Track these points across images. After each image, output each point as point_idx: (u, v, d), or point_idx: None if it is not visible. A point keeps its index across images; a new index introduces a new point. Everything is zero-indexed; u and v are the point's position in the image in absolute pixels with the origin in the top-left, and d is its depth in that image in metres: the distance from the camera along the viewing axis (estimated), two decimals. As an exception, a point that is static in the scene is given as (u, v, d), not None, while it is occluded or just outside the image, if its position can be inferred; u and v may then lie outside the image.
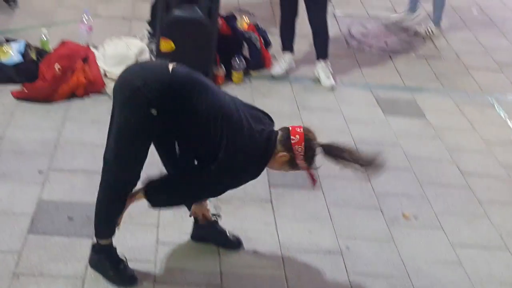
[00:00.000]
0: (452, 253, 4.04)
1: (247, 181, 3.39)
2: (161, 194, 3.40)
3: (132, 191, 3.35)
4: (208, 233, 3.83)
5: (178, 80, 3.14)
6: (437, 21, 7.04)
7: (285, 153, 3.21)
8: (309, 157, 3.24)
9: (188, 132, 3.26)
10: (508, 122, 5.60)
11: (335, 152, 3.29)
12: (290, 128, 3.28)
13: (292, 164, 3.27)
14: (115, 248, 3.48)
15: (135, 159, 3.26)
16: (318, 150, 3.26)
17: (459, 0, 8.03)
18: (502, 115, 5.71)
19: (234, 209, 4.11)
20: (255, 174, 3.34)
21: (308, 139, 3.24)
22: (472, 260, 4.00)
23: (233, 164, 3.20)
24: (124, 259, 3.51)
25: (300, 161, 3.23)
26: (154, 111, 3.04)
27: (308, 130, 3.30)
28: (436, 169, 4.85)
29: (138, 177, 3.32)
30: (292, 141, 3.20)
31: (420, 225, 4.25)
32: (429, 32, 7.01)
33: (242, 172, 3.29)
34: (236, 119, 3.16)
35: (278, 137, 3.27)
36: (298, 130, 3.26)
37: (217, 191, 3.48)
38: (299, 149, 3.18)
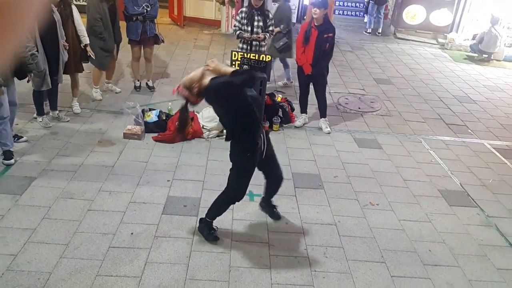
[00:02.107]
0: (399, 224, 4.03)
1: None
2: None
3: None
4: (268, 207, 3.89)
5: None
6: (288, 77, 7.27)
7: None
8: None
9: None
10: (430, 151, 5.53)
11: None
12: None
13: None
14: (212, 222, 3.58)
15: (245, 186, 3.39)
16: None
17: (400, 83, 8.01)
18: (426, 147, 5.64)
19: (275, 200, 4.13)
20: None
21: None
22: (410, 228, 3.99)
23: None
24: (216, 228, 3.61)
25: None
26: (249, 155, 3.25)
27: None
28: (389, 177, 4.82)
29: (244, 194, 3.44)
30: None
31: (380, 208, 4.24)
32: (286, 83, 7.27)
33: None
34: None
35: None
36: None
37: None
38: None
